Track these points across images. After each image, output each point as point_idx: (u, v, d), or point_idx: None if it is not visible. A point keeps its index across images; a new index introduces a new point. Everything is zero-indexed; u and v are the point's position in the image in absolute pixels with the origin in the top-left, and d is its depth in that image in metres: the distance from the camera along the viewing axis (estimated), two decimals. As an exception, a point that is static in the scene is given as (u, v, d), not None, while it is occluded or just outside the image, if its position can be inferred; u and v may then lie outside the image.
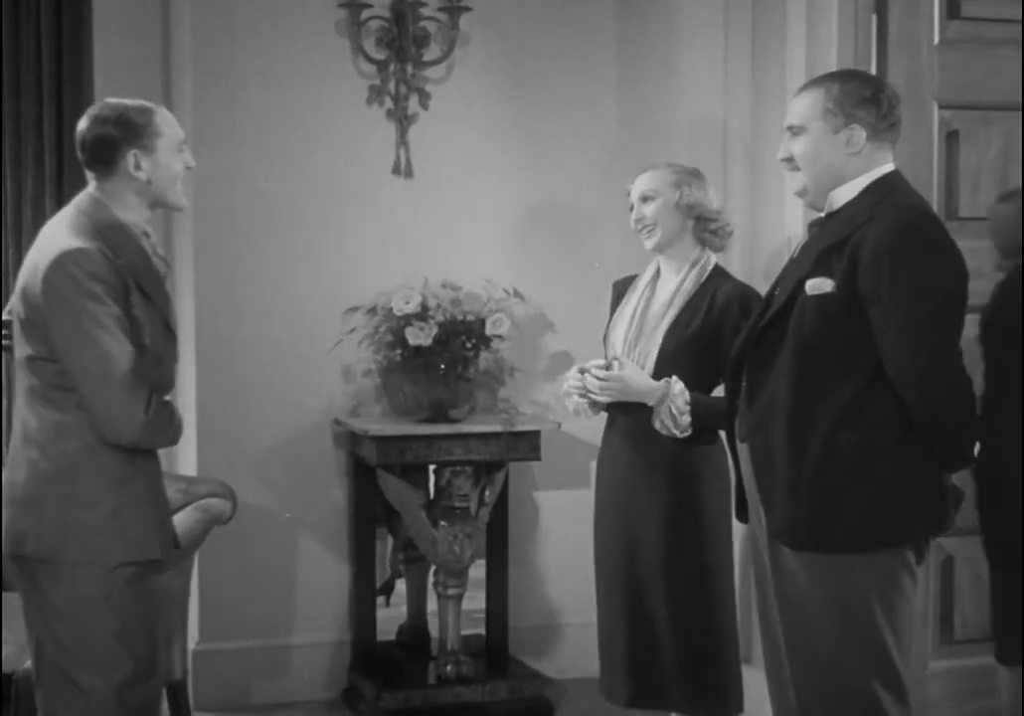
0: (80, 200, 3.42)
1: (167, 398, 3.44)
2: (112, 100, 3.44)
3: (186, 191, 4.95)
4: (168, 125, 3.44)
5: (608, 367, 4.06)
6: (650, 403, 4.00)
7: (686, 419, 3.97)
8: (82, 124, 3.41)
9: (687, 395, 3.97)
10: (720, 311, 4.01)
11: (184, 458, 5.15)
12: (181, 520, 4.45)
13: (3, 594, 4.17)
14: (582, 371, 4.09)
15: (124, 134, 3.37)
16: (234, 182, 5.06)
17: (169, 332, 3.44)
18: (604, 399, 4.07)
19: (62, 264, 3.24)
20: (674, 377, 3.98)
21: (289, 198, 5.13)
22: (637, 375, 4.03)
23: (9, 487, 3.40)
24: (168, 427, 3.38)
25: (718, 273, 4.12)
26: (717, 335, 3.99)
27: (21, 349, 3.38)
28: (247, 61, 5.06)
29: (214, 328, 5.06)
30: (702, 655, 4.04)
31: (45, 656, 3.41)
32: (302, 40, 5.12)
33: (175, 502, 4.53)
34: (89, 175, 3.44)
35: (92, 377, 3.25)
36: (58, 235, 3.32)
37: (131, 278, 3.31)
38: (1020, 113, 4.41)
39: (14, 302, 3.40)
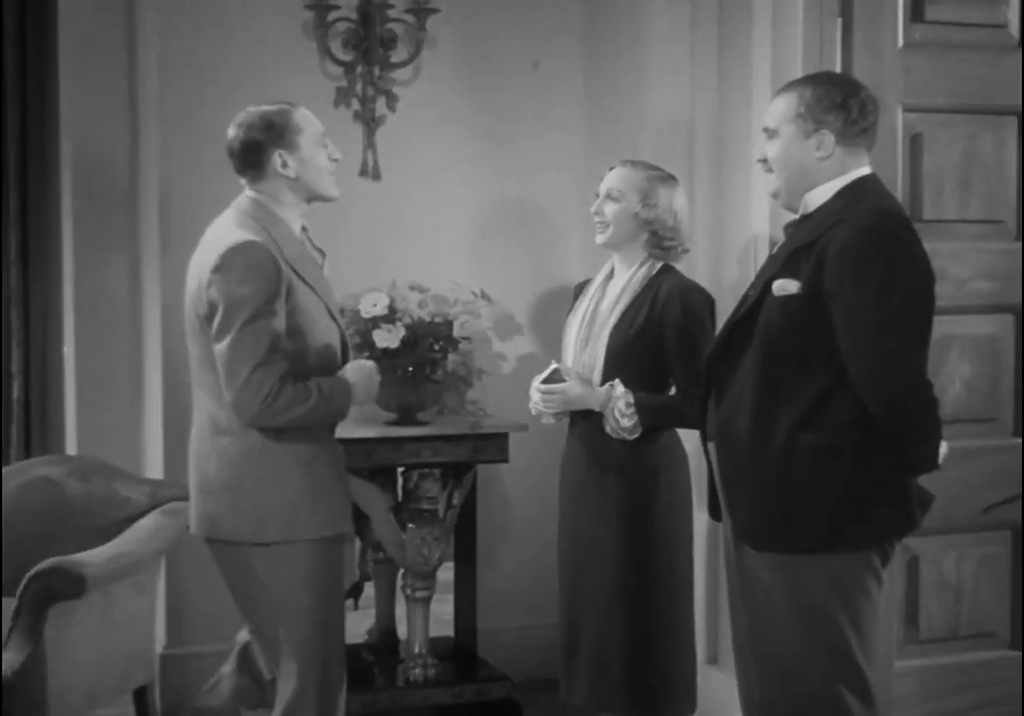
0: (239, 202, 3.66)
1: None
2: (252, 107, 3.67)
3: (150, 193, 5.03)
4: (307, 121, 3.65)
5: (551, 375, 4.09)
6: (596, 409, 4.04)
7: (628, 421, 4.00)
8: (229, 134, 3.64)
9: (630, 397, 4.00)
10: (662, 307, 4.03)
11: (151, 461, 5.12)
12: (148, 524, 4.47)
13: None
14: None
15: (268, 137, 3.60)
16: (200, 183, 5.04)
17: (332, 319, 3.66)
18: (550, 411, 4.12)
19: (230, 256, 3.48)
20: (617, 380, 4.02)
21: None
22: (577, 384, 4.06)
23: (201, 477, 3.66)
24: (294, 407, 3.48)
25: (665, 270, 4.13)
26: (660, 332, 4.02)
27: (203, 346, 3.60)
28: (213, 62, 5.05)
29: (181, 329, 5.01)
30: (653, 657, 4.06)
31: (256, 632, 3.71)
32: (268, 41, 5.11)
33: (141, 505, 4.54)
34: (243, 181, 3.67)
35: (227, 361, 3.48)
36: (227, 232, 3.56)
37: (293, 269, 3.53)
38: (986, 116, 4.45)
39: (191, 302, 3.63)
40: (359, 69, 5.20)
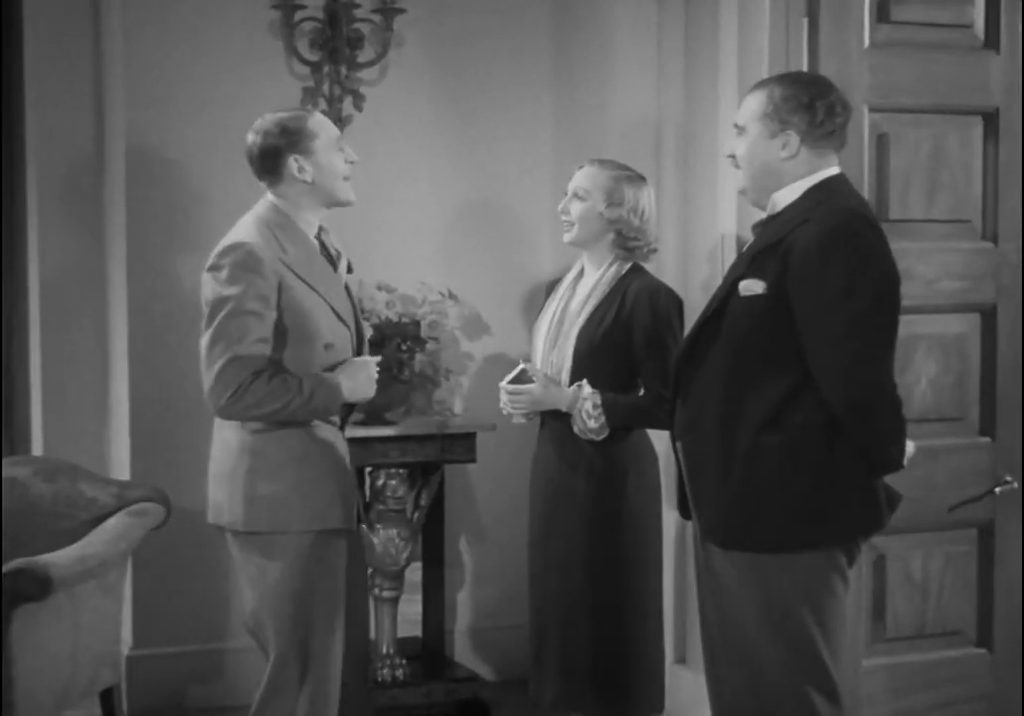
0: (257, 206, 3.75)
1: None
2: (269, 114, 3.77)
3: (115, 192, 5.01)
4: (321, 127, 3.74)
5: (519, 376, 4.10)
6: (564, 409, 4.04)
7: (594, 423, 4.02)
8: (248, 141, 3.73)
9: (597, 398, 4.01)
10: (630, 308, 4.04)
11: (117, 462, 5.11)
12: (114, 525, 4.45)
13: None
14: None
15: (284, 142, 3.69)
16: (167, 183, 5.04)
17: (340, 320, 3.71)
18: (518, 411, 4.12)
19: (221, 256, 3.61)
20: (584, 381, 4.02)
21: (222, 200, 5.09)
22: (544, 385, 4.07)
23: (210, 466, 3.80)
24: (265, 404, 3.56)
25: (634, 270, 4.14)
26: (628, 332, 4.03)
27: None
28: (179, 63, 5.02)
29: (147, 330, 5.03)
30: (622, 657, 4.06)
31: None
32: (235, 41, 5.09)
33: (107, 506, 4.52)
34: (263, 185, 3.76)
35: (204, 354, 3.58)
36: (231, 234, 3.68)
37: (293, 271, 3.63)
38: (952, 116, 4.47)
39: (202, 303, 3.68)
40: (326, 69, 5.18)
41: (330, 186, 3.73)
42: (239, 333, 3.54)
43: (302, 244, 3.71)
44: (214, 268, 3.60)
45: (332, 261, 3.81)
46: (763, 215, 3.41)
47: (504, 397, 4.15)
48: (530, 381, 4.10)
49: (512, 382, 4.13)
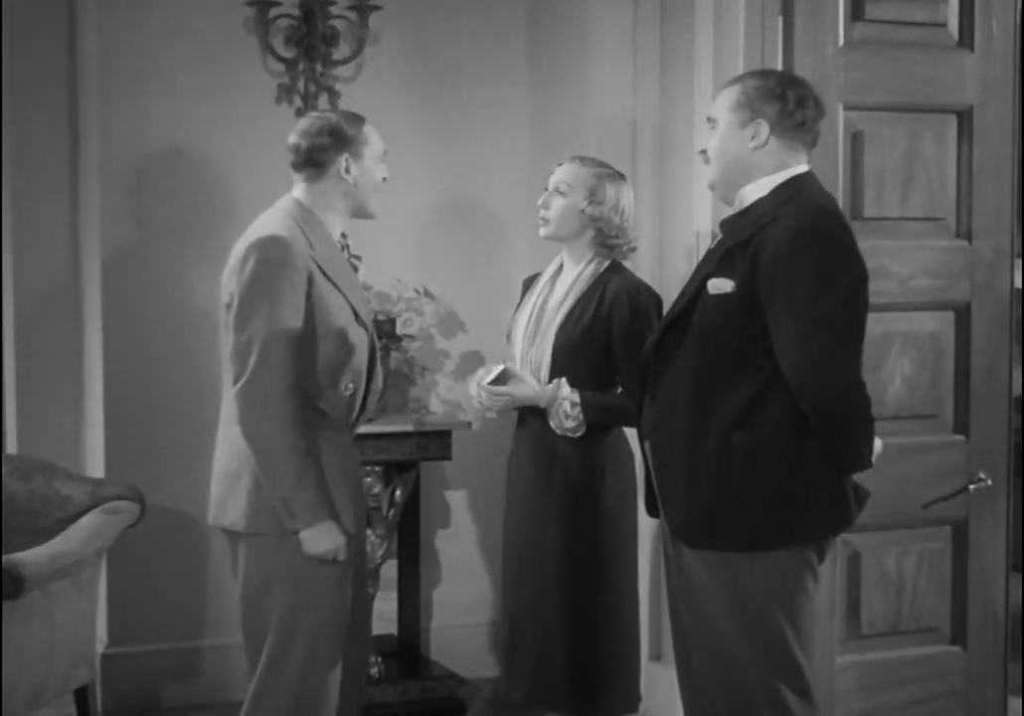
0: (284, 203, 3.72)
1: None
2: (322, 112, 3.90)
3: (90, 188, 5.00)
4: (373, 136, 3.77)
5: (502, 375, 4.10)
6: (542, 406, 4.05)
7: (572, 421, 4.02)
8: (296, 133, 3.73)
9: (575, 396, 4.01)
10: (609, 305, 4.04)
11: (92, 460, 5.09)
12: (88, 523, 4.44)
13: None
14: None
15: (338, 140, 3.69)
16: (142, 181, 5.02)
17: (358, 321, 3.69)
18: (498, 409, 4.13)
19: (256, 248, 3.54)
20: (563, 379, 4.02)
21: (197, 198, 5.09)
22: (524, 384, 4.07)
23: (216, 463, 3.69)
24: (272, 441, 3.50)
25: (613, 268, 4.14)
26: (607, 330, 4.03)
27: (226, 339, 3.61)
28: (154, 60, 5.01)
29: (122, 328, 5.02)
30: (597, 654, 4.06)
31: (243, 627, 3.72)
32: (210, 38, 5.08)
33: (81, 504, 4.51)
34: (297, 178, 3.73)
35: (233, 347, 3.54)
36: (261, 227, 3.63)
37: (319, 268, 3.60)
38: (927, 115, 4.48)
39: (222, 296, 3.65)
40: (301, 66, 5.17)
41: (366, 194, 3.75)
42: (274, 331, 3.48)
43: (328, 242, 3.70)
44: (250, 258, 3.53)
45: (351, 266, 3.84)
46: (731, 212, 3.42)
47: (485, 396, 4.14)
48: (513, 379, 4.11)
49: (493, 382, 4.12)
